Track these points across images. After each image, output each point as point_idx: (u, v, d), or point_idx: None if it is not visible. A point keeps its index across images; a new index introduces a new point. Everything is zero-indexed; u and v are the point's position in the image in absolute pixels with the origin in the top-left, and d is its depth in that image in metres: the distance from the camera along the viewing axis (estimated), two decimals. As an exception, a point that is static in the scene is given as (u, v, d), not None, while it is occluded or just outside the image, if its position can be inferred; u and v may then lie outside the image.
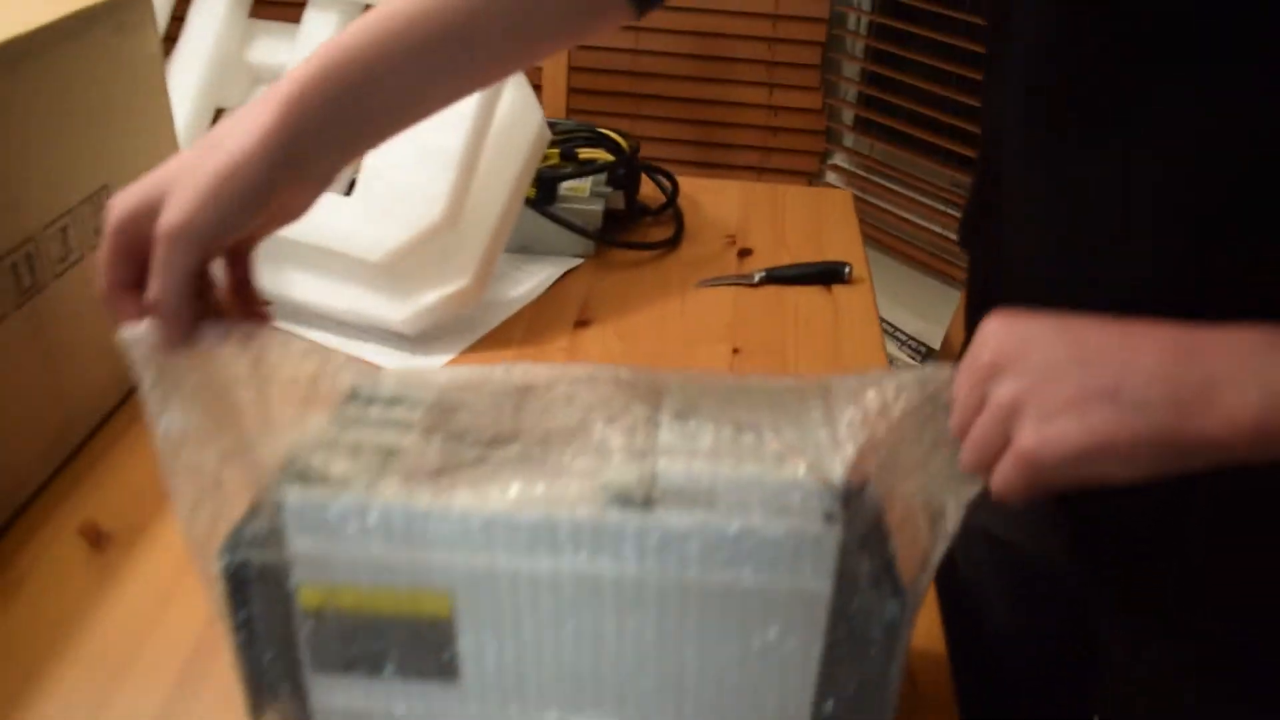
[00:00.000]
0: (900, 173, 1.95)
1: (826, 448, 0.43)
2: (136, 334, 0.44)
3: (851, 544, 0.42)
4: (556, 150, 0.99)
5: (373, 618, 0.44)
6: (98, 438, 0.70)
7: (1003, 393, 0.39)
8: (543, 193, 0.96)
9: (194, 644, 0.55)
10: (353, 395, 0.47)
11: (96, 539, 0.62)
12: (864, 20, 1.91)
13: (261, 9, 0.96)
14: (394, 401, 0.47)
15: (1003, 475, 0.39)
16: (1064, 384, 0.37)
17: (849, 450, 0.43)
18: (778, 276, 0.95)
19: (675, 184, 1.05)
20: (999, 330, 0.40)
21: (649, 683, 0.45)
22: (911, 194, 1.94)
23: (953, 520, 0.43)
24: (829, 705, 0.45)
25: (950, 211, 1.88)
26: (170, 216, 0.41)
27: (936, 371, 0.43)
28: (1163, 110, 0.42)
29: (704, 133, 1.97)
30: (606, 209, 0.99)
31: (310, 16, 0.91)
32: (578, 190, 0.99)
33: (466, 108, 0.78)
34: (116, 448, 0.69)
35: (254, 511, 0.44)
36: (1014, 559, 0.63)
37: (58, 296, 0.64)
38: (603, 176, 1.00)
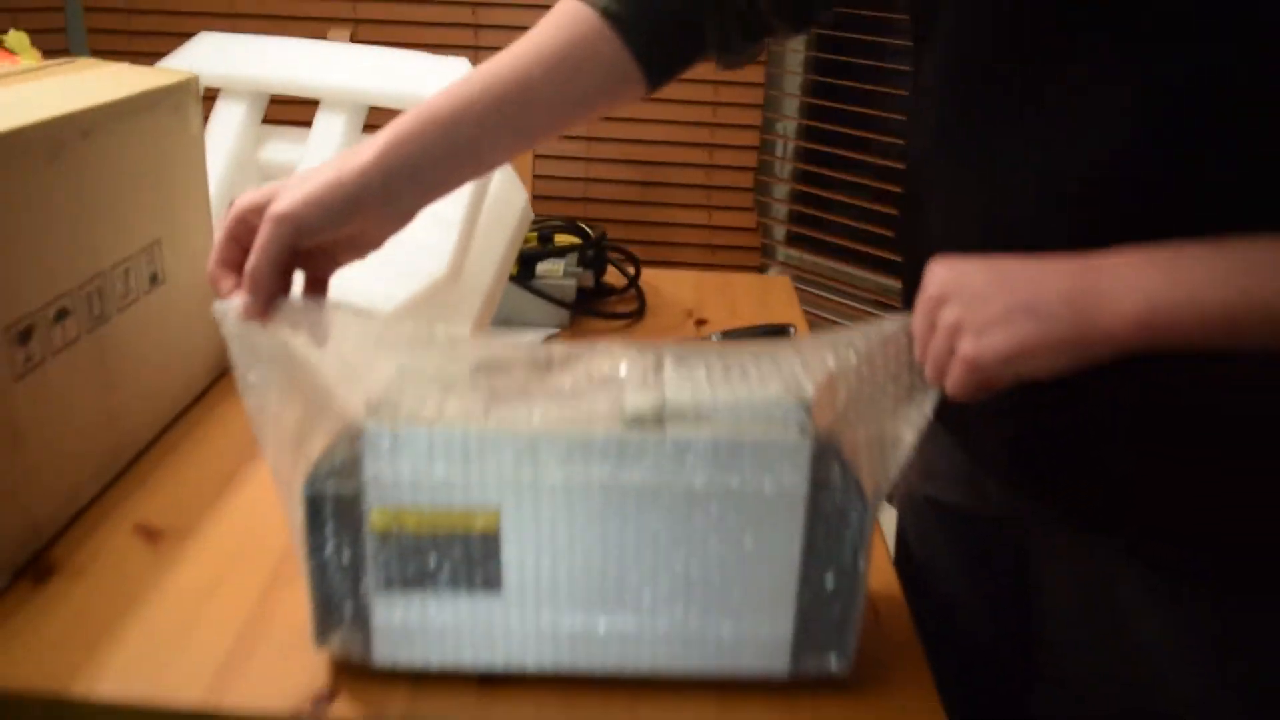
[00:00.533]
0: (830, 280, 2.13)
1: (800, 375, 0.55)
2: (228, 306, 0.54)
3: (822, 453, 0.53)
4: (535, 234, 1.13)
5: (431, 536, 0.53)
6: (148, 455, 0.78)
7: (947, 317, 0.51)
8: (524, 270, 1.08)
9: (246, 616, 0.62)
10: (407, 360, 0.58)
11: (150, 536, 0.69)
12: (790, 146, 2.13)
13: (274, 111, 1.09)
14: (445, 364, 0.57)
15: (953, 379, 0.51)
16: (992, 305, 0.49)
17: (819, 377, 0.54)
18: (732, 335, 1.08)
19: (638, 263, 1.19)
20: (940, 271, 0.52)
21: (661, 584, 0.54)
22: (841, 299, 2.12)
23: (908, 440, 0.54)
24: (809, 596, 0.55)
25: (877, 313, 2.05)
26: (278, 205, 0.53)
27: (891, 320, 0.55)
28: (1067, 93, 0.53)
29: (649, 251, 2.13)
30: (578, 287, 1.12)
31: (321, 118, 1.04)
32: (553, 270, 1.12)
33: (466, 182, 0.91)
34: (165, 462, 0.77)
35: (332, 450, 0.54)
36: (957, 518, 0.74)
37: (119, 329, 0.74)
38: (574, 257, 1.13)
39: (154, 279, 0.78)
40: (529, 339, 1.06)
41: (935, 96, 0.62)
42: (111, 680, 0.56)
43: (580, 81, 0.62)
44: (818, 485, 0.53)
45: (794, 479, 0.52)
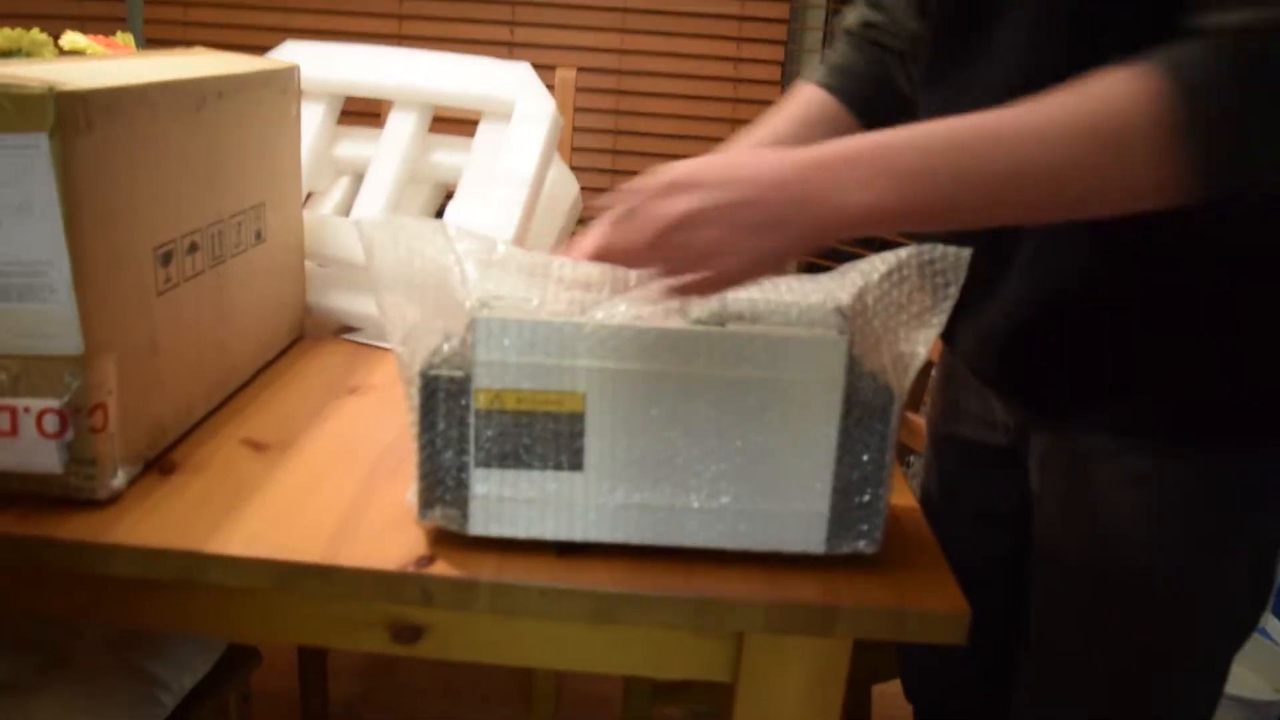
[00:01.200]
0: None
1: (836, 290, 0.65)
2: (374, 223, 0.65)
3: (855, 352, 0.62)
4: (582, 227, 1.23)
5: (527, 416, 0.63)
6: (249, 388, 0.87)
7: (679, 235, 0.56)
8: (568, 259, 1.19)
9: (349, 503, 0.71)
10: (514, 275, 0.68)
11: (257, 446, 0.78)
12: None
13: (345, 117, 1.20)
14: (544, 278, 0.67)
15: (697, 288, 0.58)
16: (718, 227, 0.55)
17: (852, 290, 0.64)
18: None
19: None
20: (682, 182, 0.57)
21: (719, 465, 0.64)
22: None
23: (921, 354, 0.64)
24: (843, 480, 0.64)
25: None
26: None
27: (905, 249, 0.65)
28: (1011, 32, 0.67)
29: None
30: (616, 279, 1.23)
31: (394, 118, 1.15)
32: (593, 263, 1.23)
33: (528, 167, 1.02)
34: (264, 395, 0.87)
35: (446, 339, 0.64)
36: (973, 450, 0.84)
37: (232, 271, 0.84)
38: (614, 252, 1.24)
39: (258, 235, 0.89)
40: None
41: (925, 50, 0.76)
42: (240, 542, 0.65)
43: (818, 136, 0.79)
44: (853, 379, 0.63)
45: (833, 372, 0.62)
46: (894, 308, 0.66)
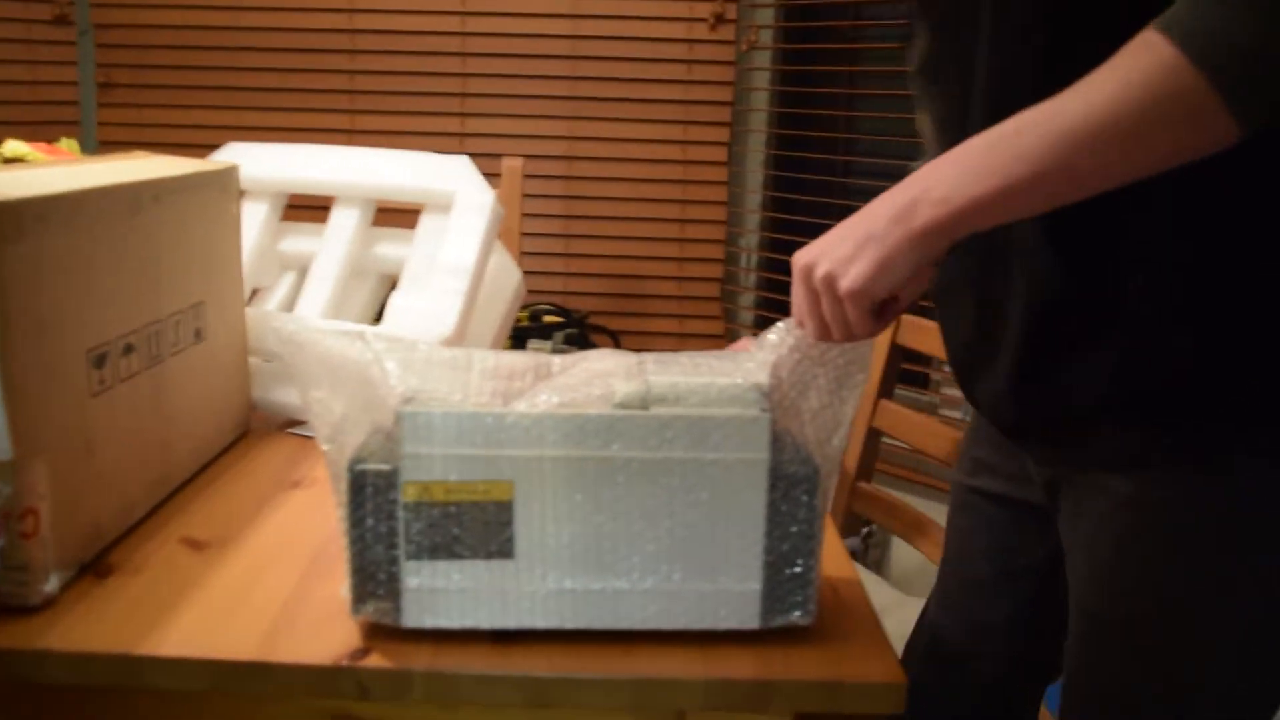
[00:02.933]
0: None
1: (754, 369, 0.66)
2: (300, 328, 0.66)
3: (778, 428, 0.64)
4: (526, 313, 1.26)
5: (456, 506, 0.64)
6: (190, 486, 0.87)
7: (818, 274, 0.65)
8: (515, 345, 1.21)
9: (286, 599, 0.71)
10: (436, 369, 0.69)
11: (195, 545, 0.78)
12: (754, 258, 2.30)
13: (290, 212, 1.22)
14: (467, 370, 0.69)
15: (849, 320, 0.65)
16: (845, 247, 0.65)
17: (768, 367, 0.66)
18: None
19: (618, 341, 1.32)
20: (798, 254, 0.68)
21: (648, 547, 0.65)
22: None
23: (848, 415, 0.66)
24: (773, 555, 0.65)
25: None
26: None
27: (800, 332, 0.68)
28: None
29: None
30: (564, 361, 1.25)
31: (336, 213, 1.17)
32: (542, 347, 1.24)
33: (468, 256, 1.04)
34: (205, 493, 0.87)
35: (373, 434, 0.64)
36: (998, 505, 0.87)
37: (170, 371, 0.84)
38: (561, 335, 1.26)
39: (197, 334, 0.90)
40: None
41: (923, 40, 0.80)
42: (173, 643, 0.65)
43: None
44: (777, 454, 0.64)
45: (757, 449, 0.64)
46: (809, 378, 0.67)
